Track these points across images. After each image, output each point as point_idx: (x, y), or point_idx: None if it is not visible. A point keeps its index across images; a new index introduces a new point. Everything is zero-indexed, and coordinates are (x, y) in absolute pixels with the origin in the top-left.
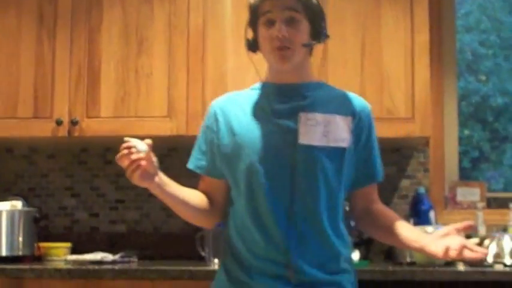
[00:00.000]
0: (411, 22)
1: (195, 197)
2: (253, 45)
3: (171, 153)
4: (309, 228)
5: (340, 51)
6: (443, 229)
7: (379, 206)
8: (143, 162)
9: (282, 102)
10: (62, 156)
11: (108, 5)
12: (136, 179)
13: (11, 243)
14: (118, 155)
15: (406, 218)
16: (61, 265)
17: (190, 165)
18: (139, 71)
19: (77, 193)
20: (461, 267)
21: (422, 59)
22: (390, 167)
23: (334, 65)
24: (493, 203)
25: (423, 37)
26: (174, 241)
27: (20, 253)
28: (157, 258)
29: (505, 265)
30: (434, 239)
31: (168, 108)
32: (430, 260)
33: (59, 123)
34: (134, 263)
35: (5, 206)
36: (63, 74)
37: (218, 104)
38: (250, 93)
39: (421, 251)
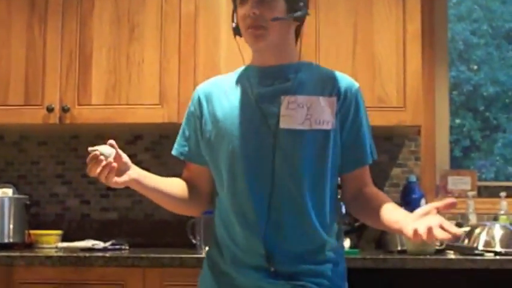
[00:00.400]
0: (403, 11)
1: (176, 186)
2: (237, 30)
3: (163, 141)
4: (290, 216)
5: (332, 40)
6: (423, 208)
7: (370, 189)
8: (114, 165)
9: (265, 85)
10: (53, 143)
11: None
12: (112, 183)
13: (1, 231)
14: (87, 168)
15: None
16: (52, 252)
17: (174, 151)
18: (131, 58)
19: (68, 180)
20: (452, 255)
21: (414, 48)
22: (382, 155)
23: (325, 54)
24: (483, 192)
25: (415, 26)
26: (165, 229)
27: (11, 240)
28: (148, 246)
29: (496, 253)
30: (413, 220)
31: (160, 96)
32: (421, 248)
33: (50, 110)
34: (125, 251)
35: None
36: (54, 61)
37: (202, 89)
38: (235, 78)
39: (400, 233)
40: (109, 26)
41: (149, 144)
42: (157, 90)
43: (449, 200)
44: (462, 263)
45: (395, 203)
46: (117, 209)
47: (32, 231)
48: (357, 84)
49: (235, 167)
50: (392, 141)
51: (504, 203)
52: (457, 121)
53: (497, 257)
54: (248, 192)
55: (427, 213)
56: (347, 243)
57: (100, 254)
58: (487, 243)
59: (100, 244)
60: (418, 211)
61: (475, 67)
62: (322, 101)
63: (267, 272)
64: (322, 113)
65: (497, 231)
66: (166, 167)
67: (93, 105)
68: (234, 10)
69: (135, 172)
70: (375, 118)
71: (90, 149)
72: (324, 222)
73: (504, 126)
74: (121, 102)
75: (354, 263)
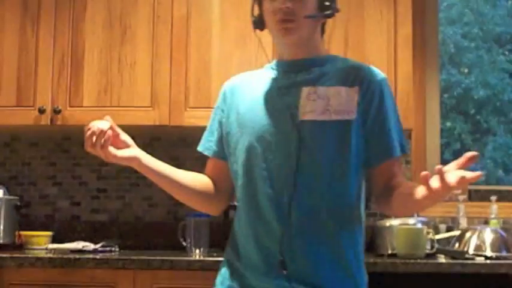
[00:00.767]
0: (394, 15)
1: (195, 179)
2: (259, 23)
3: (154, 143)
4: (306, 211)
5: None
6: (444, 167)
7: (399, 179)
8: (109, 132)
9: (288, 79)
10: (44, 144)
11: None
12: (110, 156)
13: None
14: (85, 145)
15: None
16: (42, 254)
17: (200, 147)
18: (123, 60)
19: (58, 182)
20: (442, 259)
21: (405, 52)
22: None
23: None
24: (474, 196)
25: (406, 30)
26: (156, 231)
27: (1, 241)
28: (139, 248)
29: (486, 257)
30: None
31: (151, 98)
32: (411, 252)
33: (41, 111)
34: (115, 253)
35: None
36: (46, 63)
37: (229, 83)
38: (262, 73)
39: (428, 197)
40: (101, 28)
41: (140, 146)
42: (148, 93)
43: (470, 153)
44: (452, 267)
45: None
46: (108, 211)
47: (22, 232)
48: (382, 75)
49: (252, 161)
50: None
51: (494, 207)
52: (448, 124)
53: (488, 261)
54: (264, 189)
55: (447, 171)
56: None
57: (90, 255)
58: (478, 247)
59: (90, 246)
60: (439, 172)
61: (466, 70)
62: (343, 91)
63: (281, 276)
64: (342, 103)
65: (488, 235)
66: None
67: (85, 107)
68: (256, 3)
69: (138, 150)
70: None
71: (86, 127)
72: (345, 227)
73: (495, 130)
74: (112, 104)
75: None
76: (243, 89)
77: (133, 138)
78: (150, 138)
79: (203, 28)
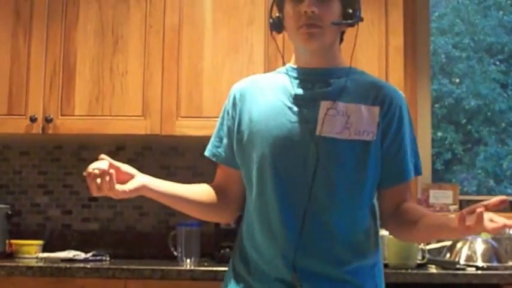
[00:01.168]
0: (386, 25)
1: (201, 192)
2: (277, 25)
3: (145, 152)
4: (319, 230)
5: None
6: (470, 207)
7: (409, 204)
8: (111, 171)
9: (305, 89)
10: (35, 153)
11: (84, 2)
12: (120, 193)
13: None
14: (91, 190)
15: None
16: (32, 263)
17: (207, 152)
18: (115, 69)
19: (50, 190)
20: (433, 269)
21: (396, 62)
22: None
23: None
24: (465, 206)
25: (398, 40)
26: (147, 240)
27: None
28: (130, 257)
29: (477, 268)
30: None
31: (143, 107)
32: (403, 262)
33: (33, 120)
34: (106, 262)
35: None
36: (38, 71)
37: (238, 87)
38: (275, 77)
39: (443, 232)
40: (93, 37)
41: (132, 156)
42: (140, 102)
43: (500, 197)
44: (443, 277)
45: None
46: (99, 220)
47: (12, 241)
48: (402, 95)
49: (264, 174)
50: None
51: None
52: (439, 134)
53: (479, 272)
54: (276, 201)
55: (473, 211)
56: None
57: (81, 264)
58: (469, 258)
59: (81, 255)
60: (465, 210)
61: (457, 80)
62: (364, 109)
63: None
64: (363, 123)
65: (479, 246)
66: None
67: (76, 115)
68: (277, 4)
69: (144, 177)
70: None
71: (84, 173)
72: (353, 240)
73: (486, 140)
74: (104, 113)
75: None
76: (255, 94)
77: (124, 147)
78: (142, 148)
79: (195, 38)
